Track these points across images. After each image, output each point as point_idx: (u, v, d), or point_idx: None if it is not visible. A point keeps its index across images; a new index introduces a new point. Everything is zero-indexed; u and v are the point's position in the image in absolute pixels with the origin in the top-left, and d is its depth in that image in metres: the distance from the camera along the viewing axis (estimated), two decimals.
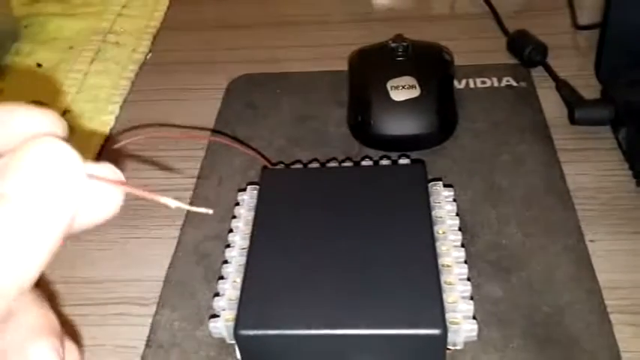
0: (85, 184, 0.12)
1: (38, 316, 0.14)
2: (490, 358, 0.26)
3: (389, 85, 0.36)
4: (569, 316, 0.28)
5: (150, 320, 0.30)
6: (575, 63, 0.42)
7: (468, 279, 0.26)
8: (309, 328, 0.24)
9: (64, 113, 0.43)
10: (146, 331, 0.29)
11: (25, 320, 0.14)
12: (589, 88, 0.39)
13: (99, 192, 0.13)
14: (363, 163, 0.33)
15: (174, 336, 0.29)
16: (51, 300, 0.22)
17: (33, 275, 0.11)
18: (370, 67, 0.38)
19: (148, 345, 0.29)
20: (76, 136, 0.41)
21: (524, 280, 0.29)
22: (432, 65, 0.37)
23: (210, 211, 0.14)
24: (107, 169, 0.13)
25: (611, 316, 0.28)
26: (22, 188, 0.11)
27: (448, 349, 0.25)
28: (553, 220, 0.32)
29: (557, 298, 0.28)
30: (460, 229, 0.29)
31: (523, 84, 0.41)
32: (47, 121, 0.13)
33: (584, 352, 0.26)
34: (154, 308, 0.30)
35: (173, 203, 0.13)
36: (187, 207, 0.14)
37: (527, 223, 0.32)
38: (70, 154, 0.12)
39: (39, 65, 0.47)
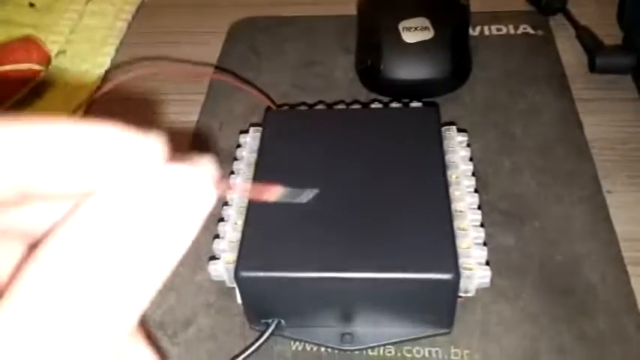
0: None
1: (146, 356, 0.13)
2: (501, 308, 0.25)
3: (401, 26, 0.34)
4: (584, 267, 0.26)
5: None
6: (596, 10, 0.40)
7: (482, 225, 0.25)
8: (313, 270, 0.23)
9: (58, 54, 0.41)
10: None
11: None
12: (610, 37, 0.37)
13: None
14: (373, 105, 0.31)
15: (171, 281, 0.27)
16: None
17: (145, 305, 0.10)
18: (381, 7, 0.35)
19: None
20: (70, 77, 0.39)
21: (538, 229, 0.28)
22: (446, 7, 0.35)
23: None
24: (207, 164, 0.12)
25: (628, 268, 0.26)
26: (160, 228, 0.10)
27: (459, 296, 0.24)
28: (569, 170, 0.31)
29: (572, 248, 0.27)
30: (474, 174, 0.27)
31: (540, 32, 0.39)
32: (148, 152, 0.11)
33: (599, 301, 0.25)
34: None
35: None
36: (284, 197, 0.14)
37: (542, 172, 0.31)
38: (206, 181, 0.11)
39: (31, 5, 0.45)
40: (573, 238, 0.28)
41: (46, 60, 0.38)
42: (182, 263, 0.27)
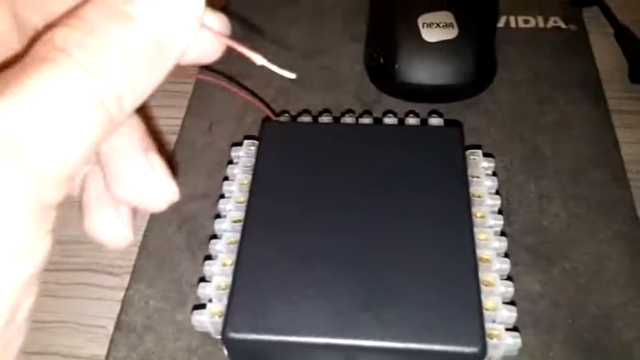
0: (201, 20, 0.12)
1: (142, 121, 0.14)
2: None
3: (420, 21, 0.29)
4: (619, 321, 0.23)
5: (121, 295, 0.25)
6: (637, 4, 0.35)
7: (509, 277, 0.22)
8: (313, 335, 0.19)
9: None
10: (116, 307, 0.25)
11: (138, 124, 0.14)
12: None
13: (205, 39, 0.13)
14: (386, 120, 0.27)
15: (149, 318, 0.24)
16: None
17: (145, 96, 0.11)
18: None
19: (117, 327, 0.24)
20: None
21: (568, 272, 0.25)
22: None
23: (293, 76, 0.14)
24: (220, 19, 0.13)
25: None
26: (147, 12, 0.11)
27: None
28: (603, 199, 0.27)
29: (605, 297, 0.24)
30: (500, 212, 0.24)
31: (573, 27, 0.34)
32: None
33: None
34: (126, 279, 0.25)
35: (260, 60, 0.14)
36: (275, 68, 0.14)
37: (573, 201, 0.27)
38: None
39: None
40: (607, 285, 0.24)
41: None
42: (162, 298, 0.24)
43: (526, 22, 0.35)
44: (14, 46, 0.13)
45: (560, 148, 0.29)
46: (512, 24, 0.35)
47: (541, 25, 0.35)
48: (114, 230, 0.14)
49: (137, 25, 0.11)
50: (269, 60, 0.14)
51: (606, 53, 0.33)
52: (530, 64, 0.33)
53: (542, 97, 0.31)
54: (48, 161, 0.10)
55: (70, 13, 0.11)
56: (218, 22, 0.13)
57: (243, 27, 0.35)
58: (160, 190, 0.14)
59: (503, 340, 0.20)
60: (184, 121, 0.31)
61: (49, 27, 0.11)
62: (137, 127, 0.14)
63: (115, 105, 0.11)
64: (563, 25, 0.35)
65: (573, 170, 0.28)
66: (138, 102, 0.11)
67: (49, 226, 0.11)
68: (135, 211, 0.15)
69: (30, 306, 0.11)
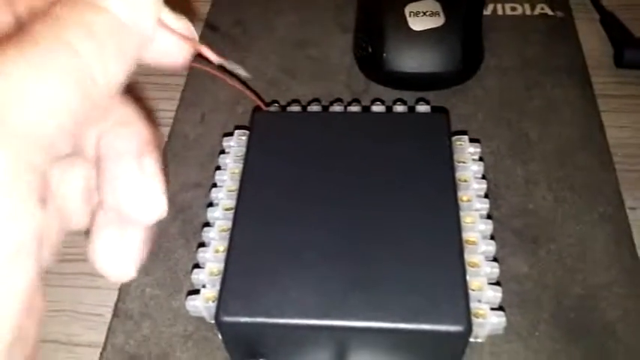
0: (158, 17, 0.13)
1: (147, 130, 0.14)
2: (513, 348, 0.23)
3: (407, 10, 0.30)
4: (603, 301, 0.24)
5: (118, 283, 0.26)
6: None
7: (495, 259, 0.22)
8: (304, 316, 0.20)
9: None
10: (113, 296, 0.25)
11: (138, 131, 0.14)
12: (639, 22, 0.34)
13: (167, 40, 0.14)
14: (374, 108, 0.27)
15: (145, 305, 0.25)
16: None
17: (118, 77, 0.12)
18: None
19: (115, 314, 0.25)
20: None
21: (554, 254, 0.25)
22: None
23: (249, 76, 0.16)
24: (182, 23, 0.14)
25: None
26: (116, 2, 0.12)
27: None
28: (589, 182, 0.28)
29: (591, 278, 0.25)
30: (486, 195, 0.24)
31: (560, 13, 0.35)
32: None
33: (620, 343, 0.23)
34: None
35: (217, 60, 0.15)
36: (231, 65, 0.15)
37: (559, 184, 0.28)
38: None
39: None
40: (592, 265, 0.25)
41: None
42: (158, 285, 0.24)
43: (513, 9, 0.35)
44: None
45: (547, 132, 0.29)
46: (500, 11, 0.35)
47: (528, 12, 0.35)
48: (111, 259, 0.14)
49: (102, 10, 0.12)
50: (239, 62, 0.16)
51: (592, 39, 0.34)
52: (518, 51, 0.33)
53: (529, 83, 0.32)
54: (28, 124, 0.11)
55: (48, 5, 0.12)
56: (181, 24, 0.14)
57: (236, 23, 0.36)
58: (144, 198, 0.13)
59: (488, 320, 0.21)
60: (177, 113, 0.32)
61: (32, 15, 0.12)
62: (138, 132, 0.14)
63: (88, 79, 0.11)
64: (550, 12, 0.35)
65: (559, 154, 0.29)
66: (112, 81, 0.12)
67: (37, 193, 0.11)
68: (144, 245, 0.14)
69: (27, 285, 0.11)
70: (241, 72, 0.16)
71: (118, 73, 0.12)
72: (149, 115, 0.30)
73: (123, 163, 0.13)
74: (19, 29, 0.11)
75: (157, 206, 0.13)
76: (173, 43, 0.14)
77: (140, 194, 0.13)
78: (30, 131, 0.11)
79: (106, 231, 0.14)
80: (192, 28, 0.14)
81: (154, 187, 0.13)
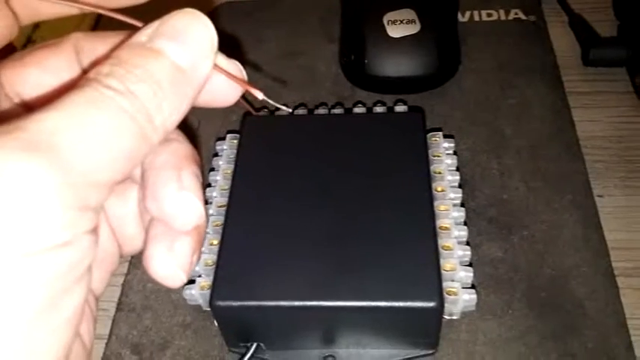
0: (215, 50, 0.14)
1: (188, 147, 0.16)
2: (488, 326, 0.25)
3: (385, 19, 0.32)
4: (572, 280, 0.26)
5: (121, 280, 0.28)
6: None
7: (467, 243, 0.24)
8: (292, 299, 0.22)
9: (27, 45, 0.39)
10: (117, 292, 0.27)
11: (179, 147, 0.15)
12: (605, 23, 0.36)
13: (220, 80, 0.14)
14: (356, 110, 0.30)
15: (146, 298, 0.27)
16: None
17: (175, 117, 0.13)
18: None
19: (119, 308, 0.27)
20: None
21: (527, 239, 0.27)
22: None
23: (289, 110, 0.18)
24: (234, 65, 0.15)
25: (618, 280, 0.26)
26: (174, 48, 0.13)
27: (443, 318, 0.23)
28: (560, 172, 0.29)
29: (561, 260, 0.26)
30: (460, 186, 0.26)
31: (532, 17, 0.37)
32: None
33: (588, 318, 0.25)
34: (125, 266, 0.28)
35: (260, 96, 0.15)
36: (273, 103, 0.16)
37: (531, 175, 0.29)
38: (211, 28, 0.14)
39: None
40: (562, 249, 0.27)
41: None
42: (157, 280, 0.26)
43: (489, 15, 0.38)
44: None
45: (520, 128, 0.31)
46: (477, 18, 0.37)
47: (503, 17, 0.37)
48: (162, 266, 0.14)
49: (160, 55, 0.13)
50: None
51: (563, 40, 0.36)
52: (493, 54, 0.35)
53: (504, 83, 0.34)
54: (83, 162, 0.11)
55: (109, 55, 0.13)
56: (232, 65, 0.15)
57: (229, 37, 0.38)
58: (184, 208, 0.14)
59: (460, 297, 0.22)
60: None
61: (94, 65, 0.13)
62: (179, 149, 0.15)
63: (144, 119, 0.12)
64: (523, 17, 0.37)
65: (532, 148, 0.30)
66: (168, 122, 0.13)
67: (88, 226, 0.11)
68: (194, 252, 0.15)
69: (74, 309, 0.11)
70: (283, 108, 0.17)
71: (174, 115, 0.13)
72: (189, 133, 0.33)
73: (164, 175, 0.14)
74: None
75: (195, 214, 0.14)
76: (225, 84, 0.14)
77: (179, 203, 0.14)
78: (83, 168, 0.11)
79: (157, 241, 0.15)
80: (242, 68, 0.15)
81: (192, 197, 0.14)
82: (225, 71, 0.14)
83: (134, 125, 0.12)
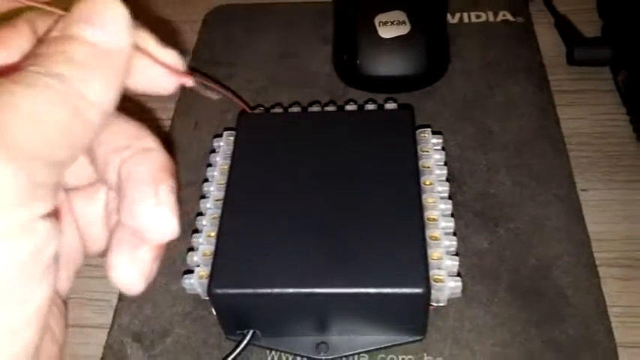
0: (133, 43, 0.14)
1: (166, 158, 0.16)
2: (474, 313, 0.26)
3: (377, 20, 0.33)
4: (555, 270, 0.27)
5: None
6: None
7: (454, 233, 0.25)
8: (286, 286, 0.23)
9: None
10: None
11: (157, 158, 0.15)
12: (590, 23, 0.37)
13: (155, 69, 0.15)
14: (347, 107, 0.31)
15: (147, 289, 0.27)
16: None
17: (108, 98, 0.14)
18: (357, 0, 0.35)
19: (120, 299, 0.28)
20: None
21: (512, 231, 0.28)
22: None
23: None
24: (169, 53, 0.15)
25: (600, 269, 0.27)
26: (88, 29, 0.13)
27: (431, 305, 0.24)
28: (545, 167, 0.31)
29: (545, 250, 0.27)
30: (448, 180, 0.27)
31: (520, 19, 0.38)
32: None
33: (570, 306, 0.26)
34: None
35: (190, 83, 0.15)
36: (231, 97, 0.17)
37: (517, 170, 0.30)
38: (121, 6, 0.14)
39: None
40: (546, 240, 0.28)
41: None
42: (158, 272, 0.27)
43: (478, 17, 0.39)
44: None
45: (507, 126, 0.33)
46: (466, 19, 0.39)
47: (491, 19, 0.39)
48: (124, 273, 0.15)
49: (75, 38, 0.13)
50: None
51: (549, 40, 0.37)
52: (482, 54, 0.36)
53: (491, 82, 0.35)
54: (19, 137, 0.11)
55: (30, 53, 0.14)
56: (169, 56, 0.15)
57: (225, 39, 0.39)
58: (160, 224, 0.15)
59: (446, 284, 0.23)
60: (173, 121, 0.35)
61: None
62: (157, 160, 0.15)
63: (75, 95, 0.13)
64: (511, 18, 0.38)
65: (518, 144, 0.32)
66: (104, 99, 0.13)
67: (42, 209, 0.12)
68: (155, 260, 0.15)
69: (42, 301, 0.12)
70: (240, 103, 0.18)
71: (107, 92, 0.13)
72: (165, 144, 0.34)
73: (141, 189, 0.15)
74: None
75: (169, 228, 0.15)
76: (160, 73, 0.15)
77: (155, 218, 0.15)
78: (27, 147, 0.11)
79: (120, 248, 0.15)
80: (178, 58, 0.15)
81: (168, 214, 0.15)
82: (157, 58, 0.15)
83: (65, 100, 0.12)
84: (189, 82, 0.16)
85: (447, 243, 0.24)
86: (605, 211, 0.29)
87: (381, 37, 0.33)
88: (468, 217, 0.29)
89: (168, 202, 0.15)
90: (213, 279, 0.23)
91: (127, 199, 0.15)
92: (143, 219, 0.15)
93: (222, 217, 0.25)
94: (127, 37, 0.14)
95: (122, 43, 0.14)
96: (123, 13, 0.14)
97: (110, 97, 0.14)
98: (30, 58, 0.13)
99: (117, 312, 0.27)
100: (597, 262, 0.27)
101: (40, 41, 0.14)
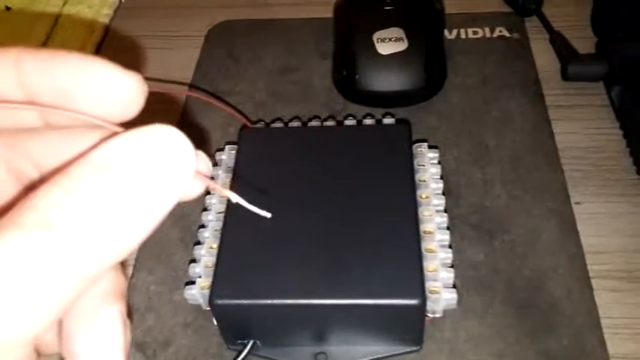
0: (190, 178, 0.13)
1: (113, 280, 0.14)
2: (469, 324, 0.26)
3: (375, 37, 0.34)
4: (550, 282, 0.27)
5: (126, 283, 0.29)
6: (571, 12, 0.40)
7: (450, 246, 0.26)
8: (285, 297, 0.23)
9: None
10: None
11: (102, 283, 0.14)
12: (584, 39, 0.38)
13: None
14: (346, 122, 0.31)
15: (150, 300, 0.28)
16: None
17: (126, 253, 0.12)
18: (356, 18, 0.35)
19: None
20: None
21: (507, 243, 0.29)
22: (421, 15, 0.35)
23: (269, 215, 0.15)
24: (202, 161, 0.14)
25: (593, 282, 0.27)
26: (134, 171, 0.12)
27: (427, 316, 0.25)
28: (539, 181, 0.31)
29: (539, 263, 0.28)
30: (444, 193, 0.28)
31: (516, 35, 0.39)
32: (131, 84, 0.14)
33: (564, 317, 0.26)
34: (129, 270, 0.30)
35: (235, 198, 0.14)
36: (248, 206, 0.15)
37: (512, 184, 0.31)
38: (187, 147, 0.13)
39: (7, 8, 0.45)
40: (541, 252, 0.28)
41: None
42: (161, 283, 0.28)
43: (475, 33, 0.40)
44: (10, 192, 0.14)
45: (503, 140, 0.33)
46: (463, 35, 0.39)
47: (488, 35, 0.39)
48: None
49: (69, 189, 0.11)
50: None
51: (545, 56, 0.38)
52: (479, 70, 0.37)
53: (488, 97, 0.36)
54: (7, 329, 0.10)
55: (59, 172, 0.12)
56: (202, 163, 0.14)
57: (227, 54, 0.40)
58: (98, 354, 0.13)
59: (442, 295, 0.24)
60: None
61: (42, 180, 0.12)
62: (109, 282, 0.14)
63: (67, 250, 0.11)
64: (507, 34, 0.39)
65: (513, 158, 0.32)
66: (123, 254, 0.12)
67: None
68: None
69: None
70: (260, 212, 0.16)
71: (122, 247, 0.12)
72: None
73: (81, 320, 0.13)
74: None
75: None
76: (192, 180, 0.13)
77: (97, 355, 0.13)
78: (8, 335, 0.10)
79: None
80: (207, 160, 0.14)
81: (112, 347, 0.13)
82: (197, 171, 0.13)
83: (56, 259, 0.11)
84: (215, 187, 0.15)
85: (442, 255, 0.25)
86: (598, 223, 0.30)
87: (380, 54, 0.33)
88: (463, 229, 0.29)
89: (112, 336, 0.14)
90: (215, 290, 0.24)
91: (68, 329, 0.13)
92: (84, 355, 0.13)
93: (223, 230, 0.26)
94: (181, 187, 0.13)
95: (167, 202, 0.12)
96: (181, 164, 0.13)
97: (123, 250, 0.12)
98: (16, 208, 0.11)
99: None
100: (591, 274, 0.28)
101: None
